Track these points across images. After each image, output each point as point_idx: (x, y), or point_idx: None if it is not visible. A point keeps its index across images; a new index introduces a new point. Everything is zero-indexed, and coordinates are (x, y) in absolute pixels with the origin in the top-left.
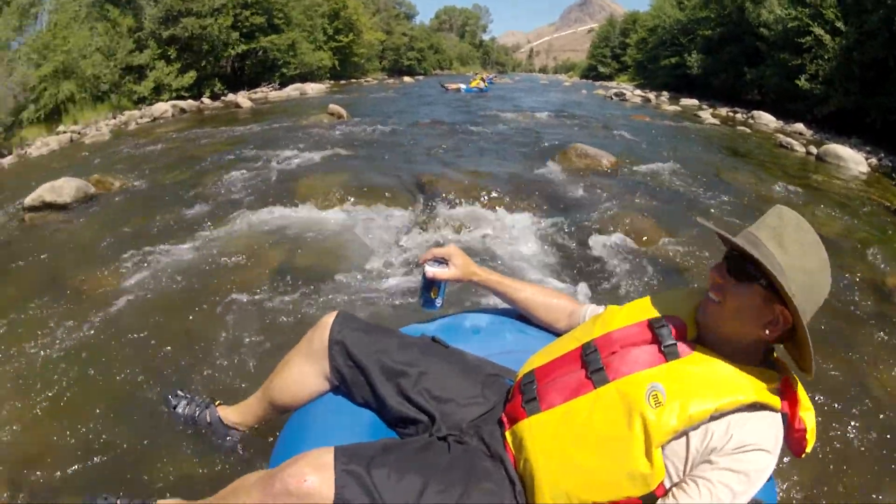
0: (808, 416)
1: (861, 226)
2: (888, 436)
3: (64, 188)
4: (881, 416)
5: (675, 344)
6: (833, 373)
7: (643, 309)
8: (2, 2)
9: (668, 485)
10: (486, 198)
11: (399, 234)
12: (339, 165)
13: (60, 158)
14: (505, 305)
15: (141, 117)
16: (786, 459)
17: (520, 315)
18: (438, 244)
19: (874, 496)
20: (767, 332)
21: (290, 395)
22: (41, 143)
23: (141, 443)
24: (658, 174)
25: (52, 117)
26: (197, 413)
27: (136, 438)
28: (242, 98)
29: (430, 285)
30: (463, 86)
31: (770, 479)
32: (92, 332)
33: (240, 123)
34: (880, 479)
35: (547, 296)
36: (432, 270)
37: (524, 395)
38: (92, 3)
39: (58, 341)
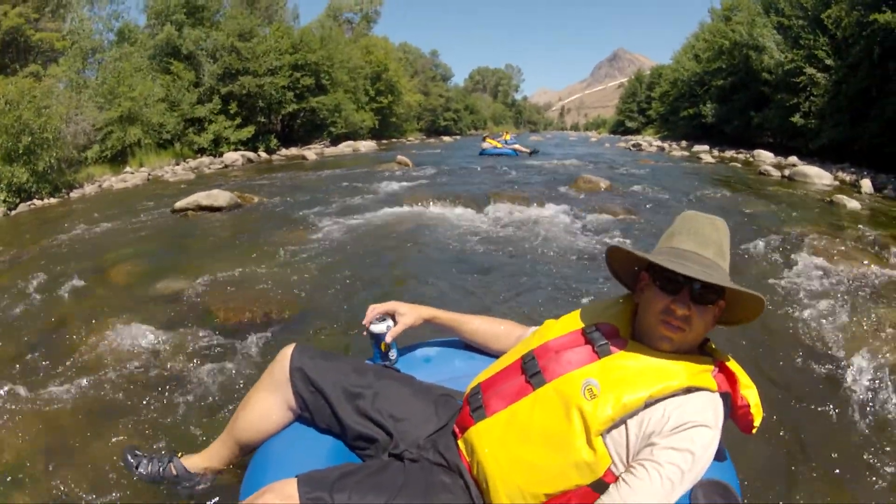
0: (749, 392)
1: (790, 211)
2: (838, 410)
3: (219, 196)
4: (829, 394)
5: (608, 343)
6: (773, 354)
7: (576, 319)
8: (67, 45)
9: (616, 472)
10: (523, 202)
11: (470, 225)
12: (422, 189)
13: (147, 191)
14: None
15: (211, 164)
16: (742, 440)
17: (466, 344)
18: (378, 301)
19: (833, 471)
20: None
21: (255, 429)
22: (118, 179)
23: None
24: (639, 193)
25: (115, 159)
26: (161, 469)
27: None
28: (307, 151)
29: (379, 341)
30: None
31: (727, 460)
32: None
33: (317, 170)
34: (836, 452)
35: (494, 325)
36: (379, 328)
37: (471, 405)
38: (152, 55)
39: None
